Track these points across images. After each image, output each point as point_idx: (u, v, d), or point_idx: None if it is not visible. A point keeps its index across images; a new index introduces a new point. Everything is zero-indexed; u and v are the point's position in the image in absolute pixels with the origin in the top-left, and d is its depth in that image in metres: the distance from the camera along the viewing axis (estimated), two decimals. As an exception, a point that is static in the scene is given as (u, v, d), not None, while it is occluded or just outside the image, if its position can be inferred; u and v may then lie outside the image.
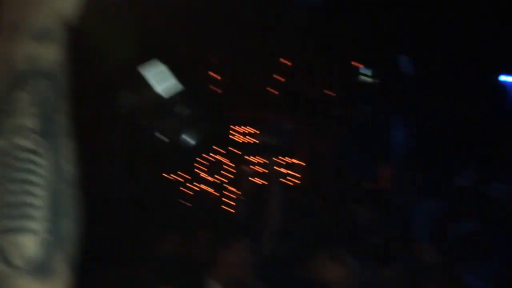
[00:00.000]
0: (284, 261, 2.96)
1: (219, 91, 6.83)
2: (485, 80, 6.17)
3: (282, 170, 7.05)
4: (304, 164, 7.44)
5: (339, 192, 6.47)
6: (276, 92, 6.77)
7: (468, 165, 6.05)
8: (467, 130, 6.60)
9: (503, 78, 6.17)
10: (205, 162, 7.53)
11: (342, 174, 7.10)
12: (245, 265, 2.46)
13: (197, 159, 7.39)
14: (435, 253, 3.23)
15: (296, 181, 7.39)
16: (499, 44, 5.31)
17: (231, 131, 7.62)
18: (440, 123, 6.64)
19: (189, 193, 7.00)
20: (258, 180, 6.76)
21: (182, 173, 7.18)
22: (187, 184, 7.16)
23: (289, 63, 6.25)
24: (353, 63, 6.00)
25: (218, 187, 7.32)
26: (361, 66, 5.96)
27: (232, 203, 6.39)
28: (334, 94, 6.73)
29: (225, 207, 6.21)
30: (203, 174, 7.45)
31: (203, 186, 7.31)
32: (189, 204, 5.70)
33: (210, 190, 7.32)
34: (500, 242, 5.07)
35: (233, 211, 3.75)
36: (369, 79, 5.91)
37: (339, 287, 2.31)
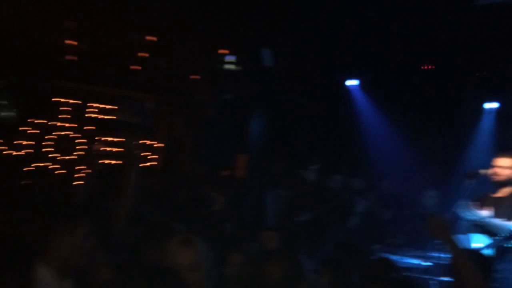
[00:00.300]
0: (134, 246, 2.87)
1: (76, 61, 6.26)
2: (334, 83, 6.81)
3: (141, 151, 6.81)
4: (163, 146, 7.30)
5: (197, 177, 6.52)
6: (139, 68, 6.47)
7: (314, 159, 6.63)
8: (314, 126, 7.24)
9: (348, 82, 6.87)
10: (53, 137, 6.87)
11: (200, 159, 7.16)
12: (83, 250, 2.29)
13: (43, 134, 6.71)
14: (279, 239, 3.47)
15: (154, 163, 7.22)
16: (349, 52, 5.92)
17: (86, 107, 7.08)
18: (293, 118, 7.16)
19: (29, 171, 6.32)
20: (112, 160, 6.41)
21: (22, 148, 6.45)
22: (28, 161, 6.45)
23: (154, 40, 6.03)
24: (219, 51, 6.06)
25: (65, 165, 6.75)
26: (226, 53, 6.05)
27: (78, 183, 5.95)
28: (199, 78, 6.71)
29: (68, 187, 5.76)
30: (49, 150, 6.79)
31: (48, 164, 6.67)
32: (26, 182, 5.15)
33: (57, 168, 6.72)
34: (332, 227, 5.72)
35: (76, 192, 3.48)
36: (232, 67, 6.03)
37: (189, 272, 2.31)
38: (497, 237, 4.02)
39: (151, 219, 3.48)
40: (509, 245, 3.99)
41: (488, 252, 4.00)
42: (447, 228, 2.44)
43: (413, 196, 6.09)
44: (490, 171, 4.32)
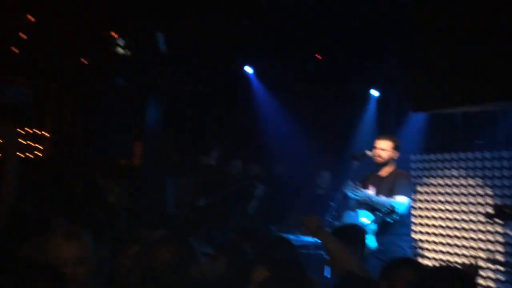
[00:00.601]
0: (12, 241, 2.64)
1: None
2: (232, 69, 6.85)
3: (23, 140, 6.27)
4: (49, 135, 6.77)
5: (89, 167, 6.17)
6: (17, 51, 5.88)
7: (214, 145, 6.64)
8: (214, 112, 7.25)
9: (246, 68, 6.96)
10: None
11: (93, 148, 6.77)
12: None
13: None
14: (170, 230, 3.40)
15: (39, 153, 6.68)
16: (245, 39, 5.98)
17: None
18: (192, 104, 7.08)
19: None
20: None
21: None
22: None
23: (33, 20, 5.51)
24: (110, 33, 5.72)
25: None
26: (116, 36, 5.74)
27: None
28: (87, 62, 6.29)
29: None
30: None
31: None
32: None
33: None
34: (232, 212, 5.81)
35: None
36: (124, 52, 5.75)
37: (73, 267, 2.18)
38: (379, 213, 4.36)
39: (33, 213, 3.22)
40: (390, 220, 4.36)
41: (372, 226, 4.34)
42: (320, 226, 2.73)
43: (308, 178, 6.41)
44: (373, 152, 4.67)
